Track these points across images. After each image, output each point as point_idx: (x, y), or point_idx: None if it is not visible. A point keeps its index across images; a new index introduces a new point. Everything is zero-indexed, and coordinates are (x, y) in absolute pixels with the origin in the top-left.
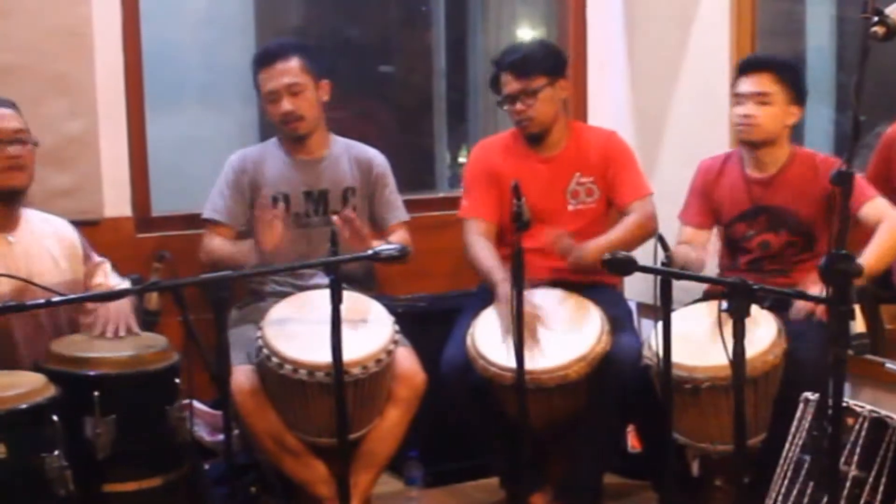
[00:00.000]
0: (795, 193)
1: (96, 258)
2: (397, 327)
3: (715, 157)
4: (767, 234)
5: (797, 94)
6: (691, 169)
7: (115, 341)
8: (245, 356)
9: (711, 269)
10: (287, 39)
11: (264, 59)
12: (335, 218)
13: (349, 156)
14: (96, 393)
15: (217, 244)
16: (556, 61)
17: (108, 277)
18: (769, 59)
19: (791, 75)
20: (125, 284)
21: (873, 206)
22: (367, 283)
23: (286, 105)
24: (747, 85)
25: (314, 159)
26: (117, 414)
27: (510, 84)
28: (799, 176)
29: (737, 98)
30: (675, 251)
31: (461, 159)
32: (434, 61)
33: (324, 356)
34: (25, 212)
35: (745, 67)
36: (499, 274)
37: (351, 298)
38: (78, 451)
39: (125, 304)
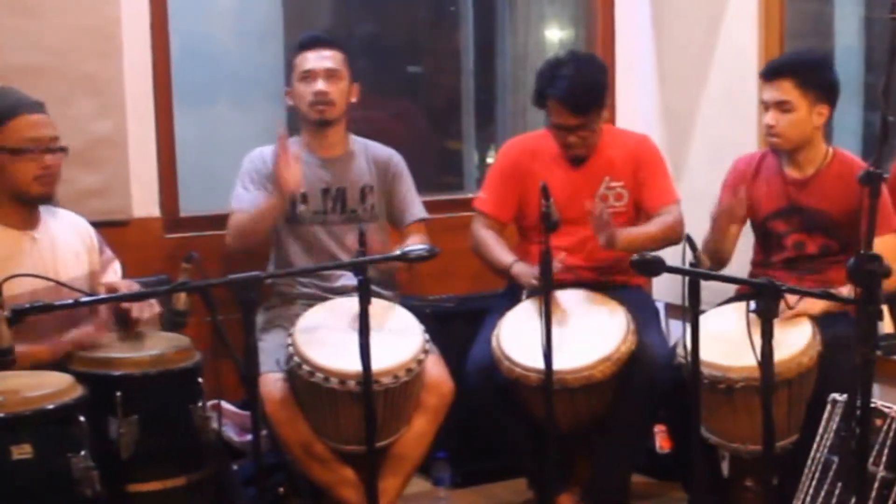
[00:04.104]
0: (831, 196)
1: (108, 253)
2: (427, 336)
3: (751, 155)
4: (801, 235)
5: (823, 93)
6: (720, 169)
7: (137, 341)
8: (275, 363)
9: (744, 266)
10: (330, 35)
11: (312, 41)
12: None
13: (367, 154)
14: (119, 393)
15: (237, 216)
16: (607, 90)
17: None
18: (788, 63)
19: (813, 76)
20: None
21: (883, 242)
22: (389, 285)
23: (321, 85)
24: (769, 93)
25: (333, 157)
26: (140, 414)
27: (565, 117)
28: (836, 179)
29: (762, 105)
30: (704, 247)
31: (489, 160)
32: (462, 62)
33: (355, 364)
34: (43, 209)
35: (765, 74)
36: (507, 257)
37: (382, 307)
38: (102, 452)
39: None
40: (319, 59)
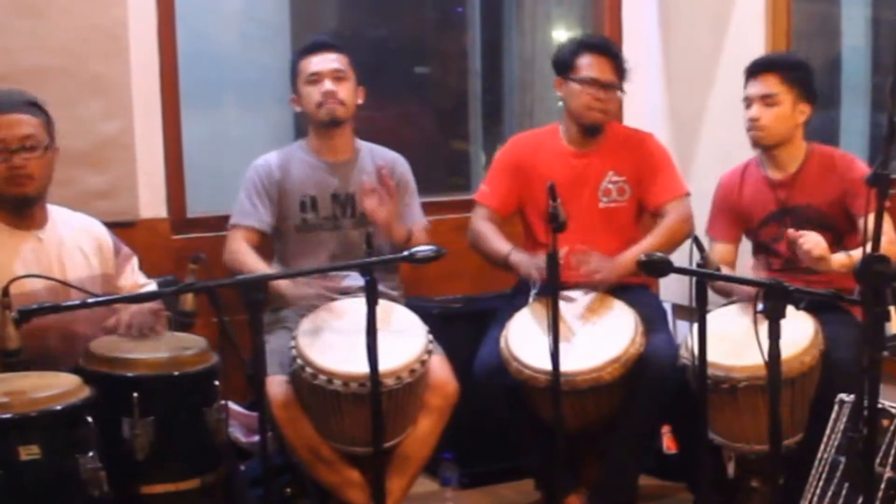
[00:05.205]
0: (816, 190)
1: (125, 251)
2: (431, 336)
3: (733, 169)
4: None
5: (805, 91)
6: (725, 171)
7: (154, 342)
8: (279, 366)
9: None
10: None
11: (316, 46)
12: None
13: (372, 158)
14: (135, 394)
15: (244, 250)
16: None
17: (135, 275)
18: (774, 59)
19: (798, 74)
20: (151, 284)
21: None
22: (394, 283)
23: (328, 85)
24: (754, 87)
25: (339, 162)
26: (156, 415)
27: (604, 72)
28: (818, 172)
29: (746, 101)
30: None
31: None
32: (469, 63)
33: (358, 367)
34: (52, 209)
35: (751, 70)
36: (504, 246)
37: (385, 308)
38: (116, 453)
39: (144, 305)
40: (325, 62)
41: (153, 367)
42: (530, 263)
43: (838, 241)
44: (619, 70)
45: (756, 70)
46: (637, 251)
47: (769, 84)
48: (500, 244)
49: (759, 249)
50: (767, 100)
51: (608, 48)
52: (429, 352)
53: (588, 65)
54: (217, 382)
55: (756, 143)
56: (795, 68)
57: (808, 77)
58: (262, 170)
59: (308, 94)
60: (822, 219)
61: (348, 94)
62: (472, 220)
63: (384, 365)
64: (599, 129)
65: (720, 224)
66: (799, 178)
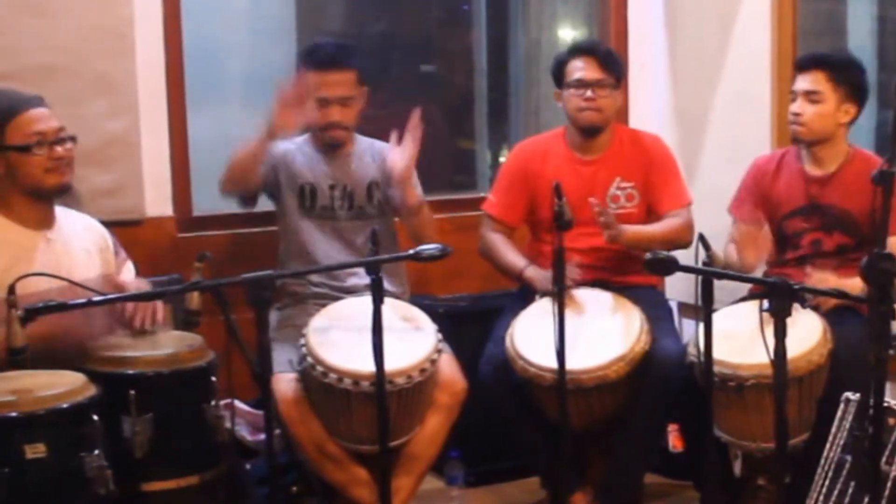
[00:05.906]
0: (851, 194)
1: (123, 254)
2: (440, 335)
3: (771, 154)
4: (819, 233)
5: (852, 91)
6: (733, 169)
7: (151, 340)
8: (288, 363)
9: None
10: (343, 45)
11: (323, 62)
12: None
13: (372, 152)
14: (133, 392)
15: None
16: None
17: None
18: (824, 57)
19: (847, 74)
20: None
21: None
22: (396, 277)
23: (335, 115)
24: (800, 82)
25: (339, 154)
26: (154, 412)
27: (589, 71)
28: (855, 177)
29: (791, 95)
30: (725, 249)
31: (502, 159)
32: (475, 61)
33: (369, 365)
34: (58, 209)
35: (799, 65)
36: (519, 261)
37: (394, 307)
38: (116, 450)
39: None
40: (336, 86)
41: (150, 364)
42: (545, 278)
43: (860, 247)
44: (609, 68)
45: (804, 65)
46: (644, 230)
47: (814, 81)
48: (514, 258)
49: (778, 240)
50: (811, 96)
51: (593, 48)
52: (439, 350)
53: (575, 68)
54: (214, 379)
55: (795, 138)
56: (845, 68)
57: (857, 77)
58: (274, 148)
59: (313, 111)
60: (851, 222)
61: (353, 117)
62: (481, 230)
63: (395, 364)
64: (598, 130)
65: (747, 205)
66: (836, 178)
